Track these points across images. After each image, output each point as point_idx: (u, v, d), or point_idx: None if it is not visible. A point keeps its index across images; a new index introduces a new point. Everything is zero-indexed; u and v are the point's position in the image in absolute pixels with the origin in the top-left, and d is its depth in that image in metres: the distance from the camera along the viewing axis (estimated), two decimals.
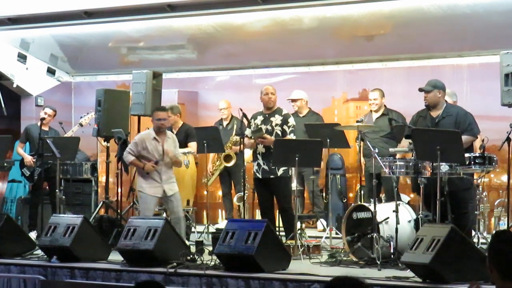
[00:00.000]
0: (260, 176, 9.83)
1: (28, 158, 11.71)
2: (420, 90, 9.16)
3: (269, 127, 9.83)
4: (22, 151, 11.90)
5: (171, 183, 9.73)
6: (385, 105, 10.91)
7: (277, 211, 9.96)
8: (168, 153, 9.65)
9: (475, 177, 9.06)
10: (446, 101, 9.31)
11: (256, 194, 10.03)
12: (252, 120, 9.99)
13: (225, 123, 12.19)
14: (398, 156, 9.34)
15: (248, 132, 10.02)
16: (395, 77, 12.18)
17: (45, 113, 11.76)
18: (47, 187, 11.75)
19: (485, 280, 6.97)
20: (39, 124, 11.74)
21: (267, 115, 9.91)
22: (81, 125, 11.87)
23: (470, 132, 9.05)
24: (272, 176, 9.74)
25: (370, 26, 11.93)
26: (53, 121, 11.99)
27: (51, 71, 14.40)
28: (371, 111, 11.03)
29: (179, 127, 11.18)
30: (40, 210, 11.12)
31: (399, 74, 12.25)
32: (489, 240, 5.21)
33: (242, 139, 10.28)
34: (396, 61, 12.33)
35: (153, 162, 9.58)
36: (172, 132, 10.88)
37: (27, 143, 12.03)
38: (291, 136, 9.78)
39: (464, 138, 8.85)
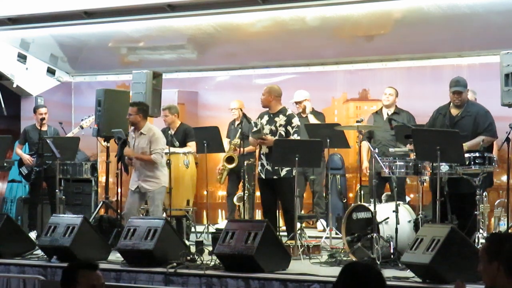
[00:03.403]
0: (263, 177, 9.82)
1: (26, 157, 11.70)
2: (459, 92, 9.01)
3: (273, 127, 9.81)
4: (20, 151, 11.88)
5: (147, 181, 9.89)
6: (396, 105, 10.92)
7: (279, 211, 9.93)
8: (128, 153, 9.96)
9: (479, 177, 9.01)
10: (468, 99, 9.26)
11: (258, 194, 10.03)
12: (259, 119, 9.98)
13: (236, 123, 12.13)
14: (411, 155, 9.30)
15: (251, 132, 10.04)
16: (395, 77, 12.17)
17: (42, 113, 11.75)
18: (46, 187, 11.74)
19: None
20: (37, 125, 11.75)
21: (271, 115, 9.89)
22: (81, 127, 11.86)
23: (489, 132, 8.96)
24: (275, 177, 9.72)
25: (370, 26, 11.93)
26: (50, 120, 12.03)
27: (51, 71, 14.39)
28: (373, 113, 11.04)
29: (177, 127, 11.18)
30: (40, 210, 11.12)
31: (399, 74, 12.25)
32: None
33: (241, 141, 10.29)
34: (396, 61, 12.32)
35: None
36: (170, 132, 10.89)
37: (26, 144, 12.02)
38: (295, 137, 9.73)
39: (482, 138, 8.78)
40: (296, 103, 11.66)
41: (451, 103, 9.11)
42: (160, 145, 9.97)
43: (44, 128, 11.71)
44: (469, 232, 8.41)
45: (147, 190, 9.88)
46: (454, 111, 9.08)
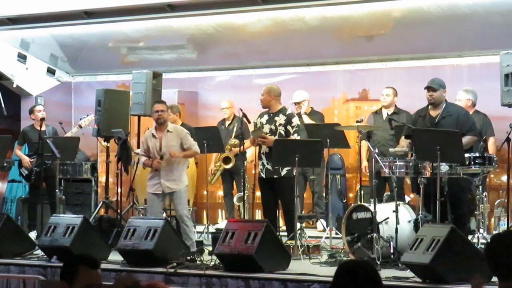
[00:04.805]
0: (264, 176, 9.81)
1: (26, 159, 11.67)
2: (429, 88, 9.07)
3: (273, 127, 9.80)
4: (20, 152, 11.85)
5: (171, 180, 9.61)
6: (395, 105, 10.91)
7: (279, 211, 9.93)
8: (166, 153, 9.58)
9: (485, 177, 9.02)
10: (446, 100, 9.29)
11: (258, 193, 10.03)
12: (258, 118, 9.97)
13: (227, 123, 12.12)
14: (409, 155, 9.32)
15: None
16: (395, 77, 12.17)
17: (40, 111, 11.75)
18: (46, 187, 11.73)
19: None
20: (35, 125, 11.73)
21: (271, 115, 9.88)
22: (80, 126, 11.83)
23: (473, 131, 9.03)
24: (275, 176, 9.71)
25: (370, 26, 11.93)
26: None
27: (51, 71, 14.39)
28: (372, 112, 11.03)
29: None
30: (40, 210, 11.12)
31: (399, 74, 12.24)
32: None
33: (241, 141, 10.28)
34: (396, 61, 12.32)
35: (158, 159, 9.57)
36: None
37: (25, 145, 12.01)
38: (295, 137, 9.72)
39: (468, 138, 8.84)
40: (295, 103, 11.65)
41: (429, 105, 9.14)
42: (191, 138, 9.82)
43: (43, 127, 11.69)
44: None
45: (173, 189, 9.60)
46: (433, 112, 9.11)
